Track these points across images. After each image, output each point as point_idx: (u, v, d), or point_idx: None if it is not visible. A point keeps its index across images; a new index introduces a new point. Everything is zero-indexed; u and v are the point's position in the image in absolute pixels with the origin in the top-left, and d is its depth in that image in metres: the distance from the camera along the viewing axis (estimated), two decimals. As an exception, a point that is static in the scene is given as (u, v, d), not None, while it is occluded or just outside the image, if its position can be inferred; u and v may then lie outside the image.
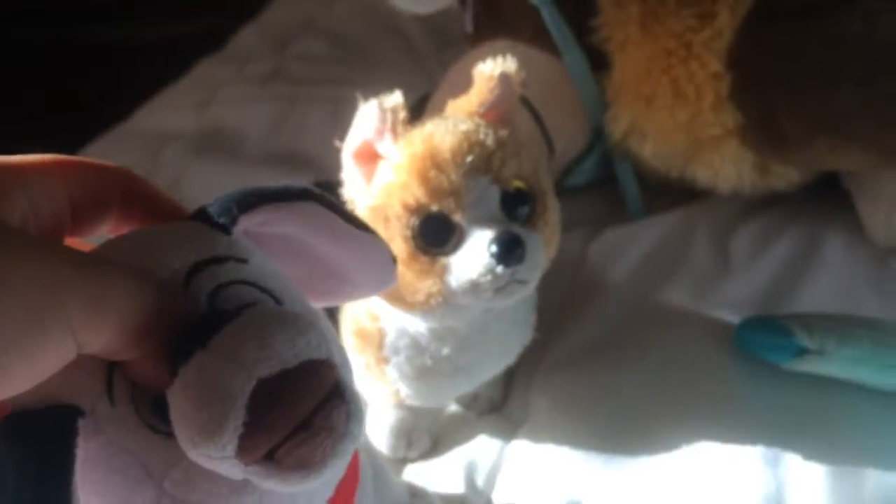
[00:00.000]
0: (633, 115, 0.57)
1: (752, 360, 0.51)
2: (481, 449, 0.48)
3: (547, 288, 0.59)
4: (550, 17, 0.58)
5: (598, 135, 0.62)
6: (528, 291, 0.38)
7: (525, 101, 0.58)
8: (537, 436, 0.48)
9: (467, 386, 0.45)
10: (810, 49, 0.50)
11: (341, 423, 0.21)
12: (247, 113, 0.83)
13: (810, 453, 0.45)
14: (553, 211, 0.40)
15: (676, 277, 0.60)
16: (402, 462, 0.49)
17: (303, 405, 0.21)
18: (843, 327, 0.47)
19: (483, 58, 0.39)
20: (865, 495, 0.42)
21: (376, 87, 0.40)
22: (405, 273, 0.36)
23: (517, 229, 0.36)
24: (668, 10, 0.53)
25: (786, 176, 0.59)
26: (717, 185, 0.57)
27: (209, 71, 0.95)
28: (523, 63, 0.61)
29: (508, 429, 0.50)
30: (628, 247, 0.62)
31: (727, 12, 0.52)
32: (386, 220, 0.36)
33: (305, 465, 0.21)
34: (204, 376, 0.20)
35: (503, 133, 0.37)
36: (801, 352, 0.47)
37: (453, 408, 0.52)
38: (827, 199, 0.64)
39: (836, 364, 0.46)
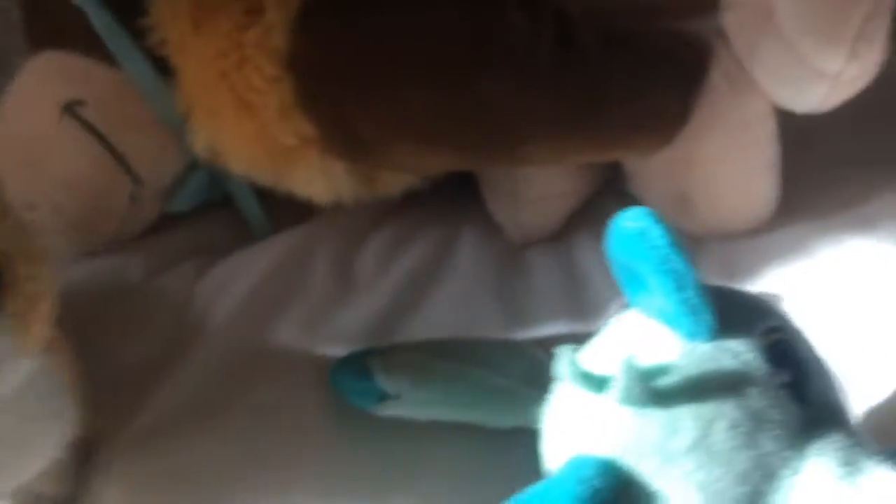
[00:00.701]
0: (205, 128, 0.48)
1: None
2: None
3: (139, 342, 0.50)
4: (98, 19, 0.48)
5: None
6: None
7: (86, 125, 0.48)
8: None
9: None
10: (372, 45, 0.43)
11: None
12: None
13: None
14: (32, 280, 0.31)
15: (289, 310, 0.52)
16: None
17: None
18: (421, 363, 0.41)
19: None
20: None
21: None
22: None
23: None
24: (216, 5, 0.44)
25: (400, 180, 0.52)
26: (315, 198, 0.49)
27: None
28: (80, 79, 0.51)
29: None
30: (238, 278, 0.53)
31: (274, 6, 0.43)
32: None
33: None
34: None
35: None
36: (383, 396, 0.41)
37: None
38: (463, 195, 0.58)
39: (414, 407, 0.40)
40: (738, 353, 0.26)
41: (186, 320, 0.52)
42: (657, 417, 0.25)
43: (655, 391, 0.25)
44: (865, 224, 0.48)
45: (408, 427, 0.42)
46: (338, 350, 0.49)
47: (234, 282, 0.53)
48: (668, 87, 0.44)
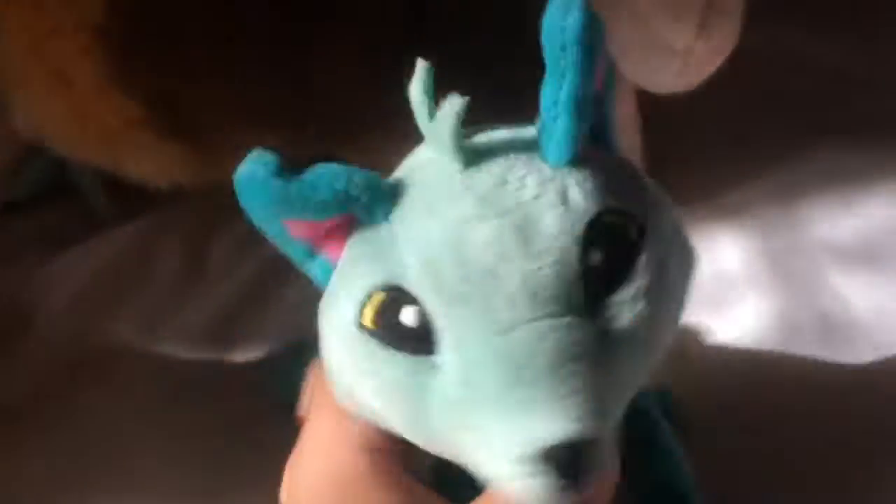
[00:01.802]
0: (24, 106, 0.43)
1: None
2: None
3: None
4: None
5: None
6: None
7: None
8: None
9: None
10: (196, 4, 0.39)
11: None
12: None
13: None
14: None
15: (129, 304, 0.48)
16: None
17: None
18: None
19: None
20: None
21: None
22: None
23: None
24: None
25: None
26: (150, 182, 0.45)
27: None
28: None
29: None
30: (75, 269, 0.49)
31: (79, -32, 0.39)
32: None
33: None
34: None
35: None
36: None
37: None
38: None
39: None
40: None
41: (18, 313, 0.48)
42: None
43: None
44: (730, 211, 0.45)
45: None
46: (177, 349, 0.46)
47: (70, 273, 0.49)
48: (519, 69, 0.41)
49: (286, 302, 0.47)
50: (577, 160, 0.20)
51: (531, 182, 0.19)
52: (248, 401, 0.40)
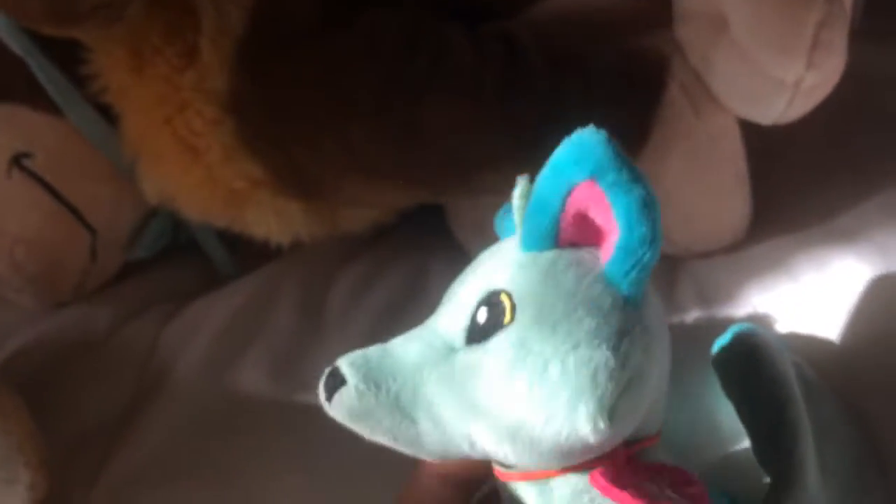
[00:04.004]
0: (152, 175, 0.46)
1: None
2: None
3: (103, 397, 0.48)
4: (40, 68, 0.47)
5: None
6: None
7: (35, 178, 0.47)
8: None
9: None
10: (313, 80, 0.42)
11: None
12: None
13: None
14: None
15: (255, 355, 0.50)
16: None
17: None
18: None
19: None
20: None
21: None
22: None
23: None
24: (153, 49, 0.43)
25: (364, 215, 0.50)
26: (274, 238, 0.47)
27: None
28: (26, 131, 0.50)
29: None
30: (201, 325, 0.52)
31: (209, 46, 0.42)
32: None
33: None
34: None
35: None
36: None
37: None
38: (433, 226, 0.56)
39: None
40: None
41: (150, 372, 0.50)
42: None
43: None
44: (845, 236, 0.45)
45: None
46: (307, 396, 0.47)
47: (197, 329, 0.52)
48: (622, 106, 0.42)
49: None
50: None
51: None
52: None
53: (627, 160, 0.22)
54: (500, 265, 0.24)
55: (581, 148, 0.22)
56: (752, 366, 0.29)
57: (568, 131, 0.22)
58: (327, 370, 0.25)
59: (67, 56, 0.46)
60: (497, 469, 0.26)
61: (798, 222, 0.46)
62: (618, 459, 0.24)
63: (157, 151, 0.45)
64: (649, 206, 0.21)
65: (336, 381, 0.24)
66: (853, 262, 0.44)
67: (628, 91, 0.42)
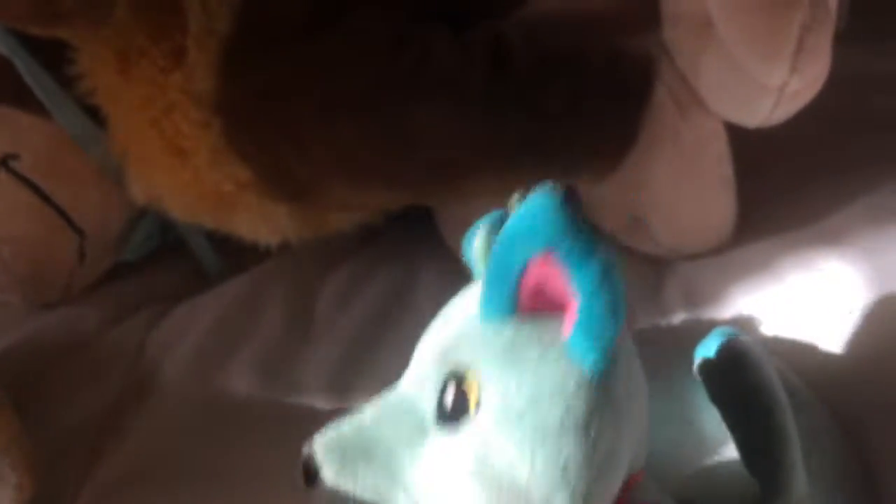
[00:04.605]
0: (140, 176, 0.46)
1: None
2: None
3: (91, 397, 0.48)
4: (26, 68, 0.47)
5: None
6: None
7: (22, 180, 0.47)
8: None
9: None
10: (297, 79, 0.41)
11: None
12: None
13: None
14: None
15: (243, 358, 0.50)
16: None
17: None
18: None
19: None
20: None
21: None
22: None
23: None
24: (140, 50, 0.43)
25: (351, 217, 0.50)
26: (262, 240, 0.47)
27: None
28: (13, 132, 0.50)
29: None
30: (189, 326, 0.52)
31: (196, 46, 0.42)
32: None
33: None
34: None
35: None
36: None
37: None
38: (422, 228, 0.56)
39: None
40: None
41: (138, 373, 0.50)
42: None
43: None
44: (831, 238, 0.45)
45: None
46: (295, 397, 0.47)
47: (185, 331, 0.52)
48: (610, 108, 0.42)
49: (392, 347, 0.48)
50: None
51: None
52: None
53: (584, 226, 0.20)
54: (466, 333, 0.24)
55: (534, 219, 0.21)
56: (737, 372, 0.29)
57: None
58: (304, 453, 0.25)
59: (55, 57, 0.46)
60: None
61: (784, 224, 0.46)
62: None
63: (145, 153, 0.45)
64: (609, 275, 0.20)
65: (311, 472, 0.24)
66: (839, 265, 0.44)
67: (616, 93, 0.42)
